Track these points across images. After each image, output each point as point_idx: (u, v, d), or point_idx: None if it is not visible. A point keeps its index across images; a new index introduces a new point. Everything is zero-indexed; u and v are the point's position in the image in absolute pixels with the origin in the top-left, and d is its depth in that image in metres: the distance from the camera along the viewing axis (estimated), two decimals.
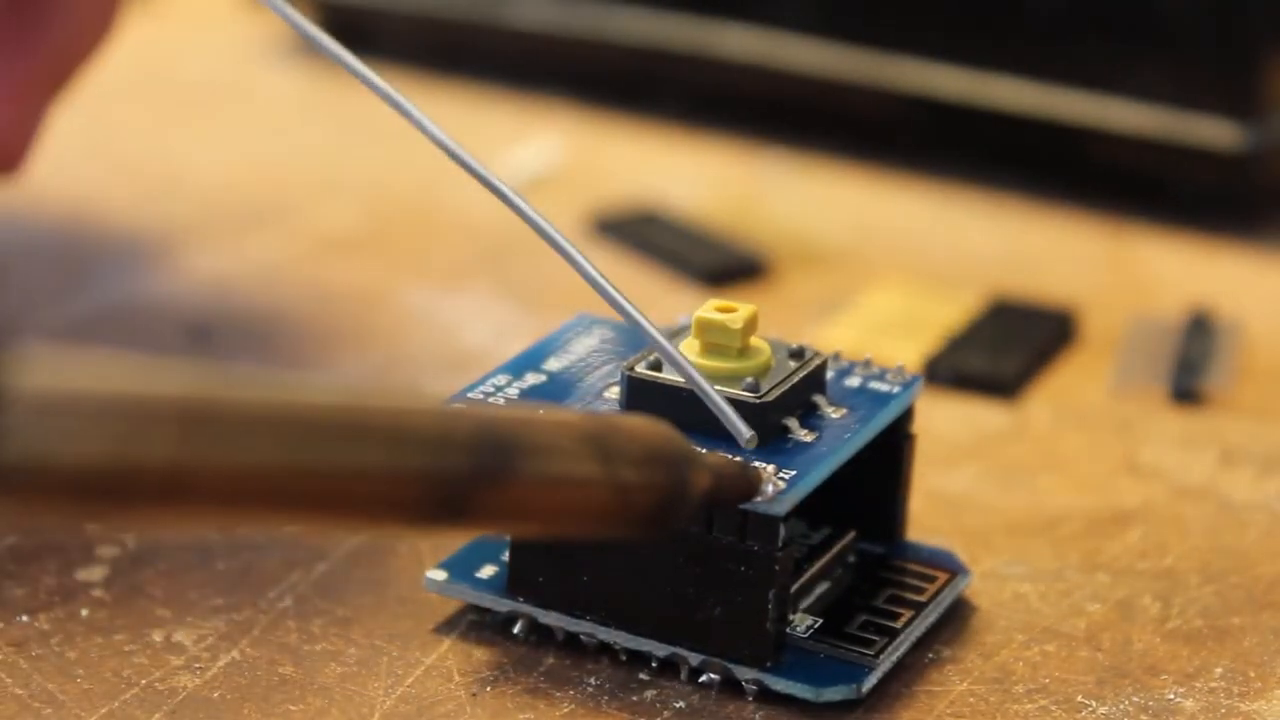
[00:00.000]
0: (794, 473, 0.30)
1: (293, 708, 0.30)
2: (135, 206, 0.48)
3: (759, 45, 0.52)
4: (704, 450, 0.29)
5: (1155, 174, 0.49)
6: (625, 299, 0.30)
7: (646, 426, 0.28)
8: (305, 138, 0.54)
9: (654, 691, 0.31)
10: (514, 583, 0.32)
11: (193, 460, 0.22)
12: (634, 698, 0.31)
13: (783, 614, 0.31)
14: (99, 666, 0.31)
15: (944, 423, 0.39)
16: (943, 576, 0.33)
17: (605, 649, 0.31)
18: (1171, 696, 0.31)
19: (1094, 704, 0.31)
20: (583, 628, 0.31)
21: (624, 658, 0.31)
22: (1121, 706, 0.31)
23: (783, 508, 0.30)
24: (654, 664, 0.31)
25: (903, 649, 0.31)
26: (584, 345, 0.34)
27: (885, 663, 0.31)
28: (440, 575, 0.32)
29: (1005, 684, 0.31)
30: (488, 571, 0.32)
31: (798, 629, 0.31)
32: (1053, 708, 0.31)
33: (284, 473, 0.23)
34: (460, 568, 0.32)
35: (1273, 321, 0.44)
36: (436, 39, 0.57)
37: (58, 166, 0.46)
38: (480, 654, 0.31)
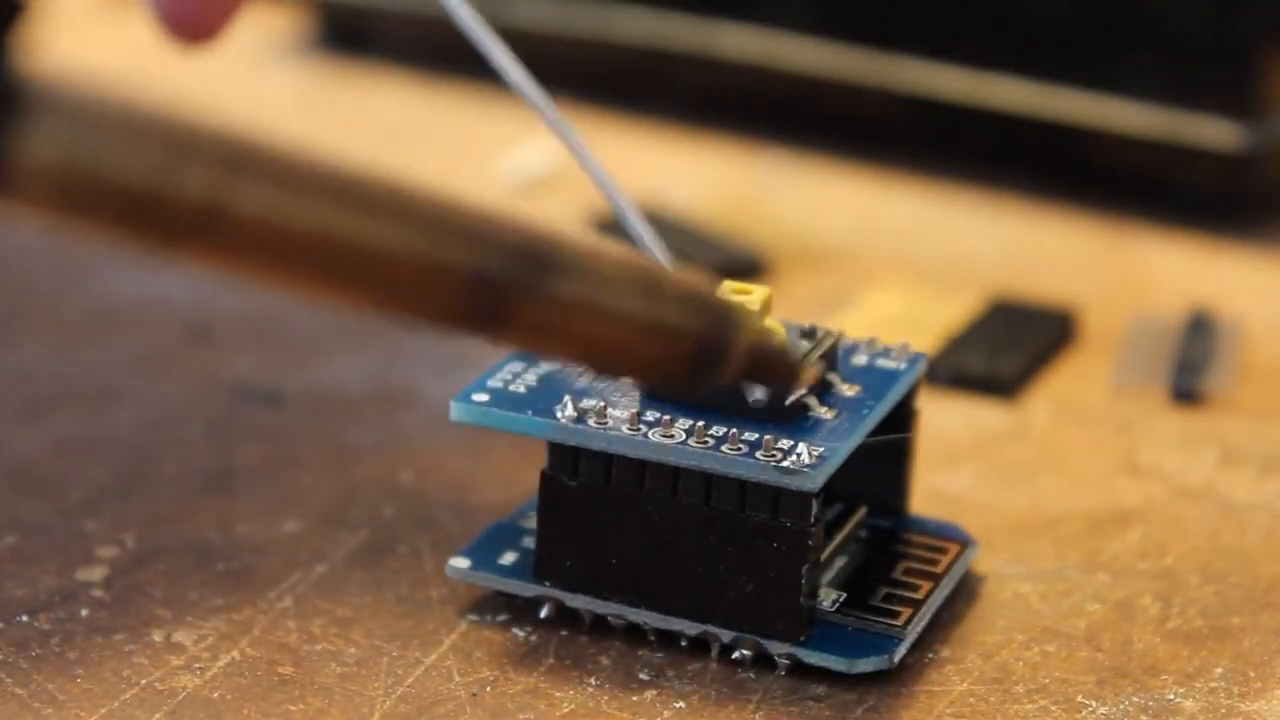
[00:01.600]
0: (821, 449, 0.30)
1: (293, 708, 0.30)
2: None
3: (759, 45, 0.52)
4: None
5: (1155, 174, 0.49)
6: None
7: (699, 278, 0.28)
8: (305, 137, 0.54)
9: (654, 692, 0.31)
10: (540, 567, 0.32)
11: (230, 198, 0.22)
12: (634, 698, 0.31)
13: (814, 589, 0.31)
14: (99, 666, 0.31)
15: (944, 423, 0.39)
16: (954, 548, 0.33)
17: (617, 637, 0.31)
18: (1171, 696, 0.31)
19: (1094, 704, 0.31)
20: (610, 609, 0.31)
21: (652, 638, 0.31)
22: (1121, 706, 0.31)
23: (816, 483, 0.30)
24: (683, 642, 0.31)
25: (927, 619, 0.32)
26: None
27: (913, 633, 0.31)
28: (463, 563, 0.32)
29: (1005, 684, 0.31)
30: (509, 558, 0.32)
31: (823, 603, 0.31)
32: (1053, 708, 0.31)
33: (321, 234, 0.23)
34: (482, 555, 0.32)
35: (1273, 321, 0.44)
36: (436, 39, 0.57)
37: None
38: (480, 654, 0.31)
